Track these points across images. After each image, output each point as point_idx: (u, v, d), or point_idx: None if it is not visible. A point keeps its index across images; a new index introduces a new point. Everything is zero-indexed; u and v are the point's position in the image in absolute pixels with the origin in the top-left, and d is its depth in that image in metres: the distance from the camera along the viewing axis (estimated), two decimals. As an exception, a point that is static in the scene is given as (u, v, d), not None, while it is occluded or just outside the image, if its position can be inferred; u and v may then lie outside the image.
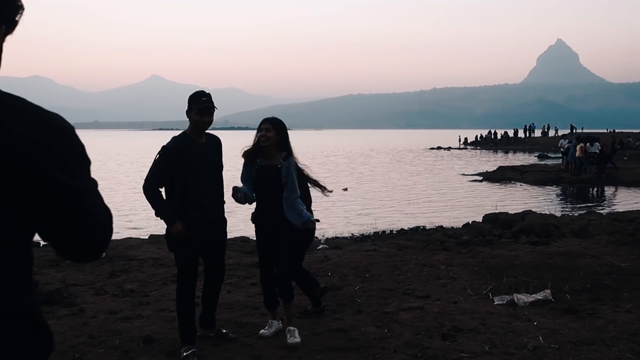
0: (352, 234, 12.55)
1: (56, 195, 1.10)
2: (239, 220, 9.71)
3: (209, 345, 4.56)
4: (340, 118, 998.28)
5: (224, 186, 4.53)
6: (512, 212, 12.18)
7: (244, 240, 10.23)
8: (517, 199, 19.31)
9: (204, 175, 4.35)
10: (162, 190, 4.37)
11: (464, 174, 29.22)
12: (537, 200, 19.21)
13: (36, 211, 1.10)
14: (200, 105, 4.30)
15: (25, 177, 1.06)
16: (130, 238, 10.58)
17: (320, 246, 9.57)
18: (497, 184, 24.60)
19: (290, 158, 4.55)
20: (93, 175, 1.21)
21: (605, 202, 19.61)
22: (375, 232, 12.72)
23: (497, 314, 5.32)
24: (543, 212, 12.38)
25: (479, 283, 6.47)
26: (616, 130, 56.02)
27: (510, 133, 66.81)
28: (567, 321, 5.08)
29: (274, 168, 4.50)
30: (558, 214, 13.61)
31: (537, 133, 68.59)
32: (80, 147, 1.15)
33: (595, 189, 23.09)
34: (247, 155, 4.60)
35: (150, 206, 4.32)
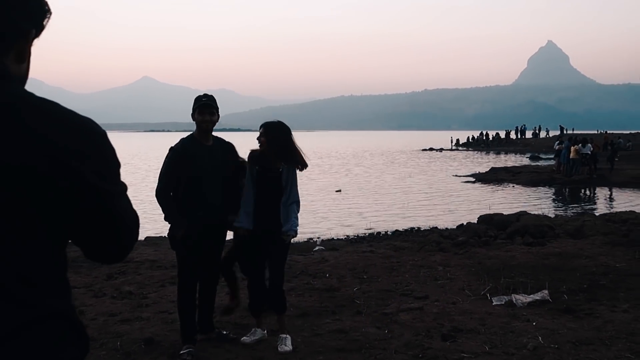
0: (347, 236, 12.55)
1: (90, 198, 1.13)
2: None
3: (210, 347, 4.57)
4: (333, 119, 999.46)
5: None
6: (506, 213, 12.22)
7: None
8: (511, 200, 19.40)
9: (208, 177, 4.36)
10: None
11: (457, 175, 29.32)
12: (531, 201, 19.31)
13: (72, 214, 1.11)
14: (200, 103, 4.37)
15: (61, 181, 1.08)
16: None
17: (317, 248, 9.59)
18: (490, 185, 24.69)
19: None
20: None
21: (598, 203, 19.75)
22: (370, 234, 12.73)
23: (496, 315, 5.36)
24: (537, 213, 12.45)
25: (476, 284, 6.51)
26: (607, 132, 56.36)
27: (502, 134, 67.08)
28: (566, 321, 5.13)
29: (275, 171, 4.51)
30: (552, 215, 13.71)
31: (529, 134, 68.89)
32: (112, 151, 1.18)
33: (588, 190, 23.25)
34: (250, 155, 4.62)
35: (159, 209, 4.38)
